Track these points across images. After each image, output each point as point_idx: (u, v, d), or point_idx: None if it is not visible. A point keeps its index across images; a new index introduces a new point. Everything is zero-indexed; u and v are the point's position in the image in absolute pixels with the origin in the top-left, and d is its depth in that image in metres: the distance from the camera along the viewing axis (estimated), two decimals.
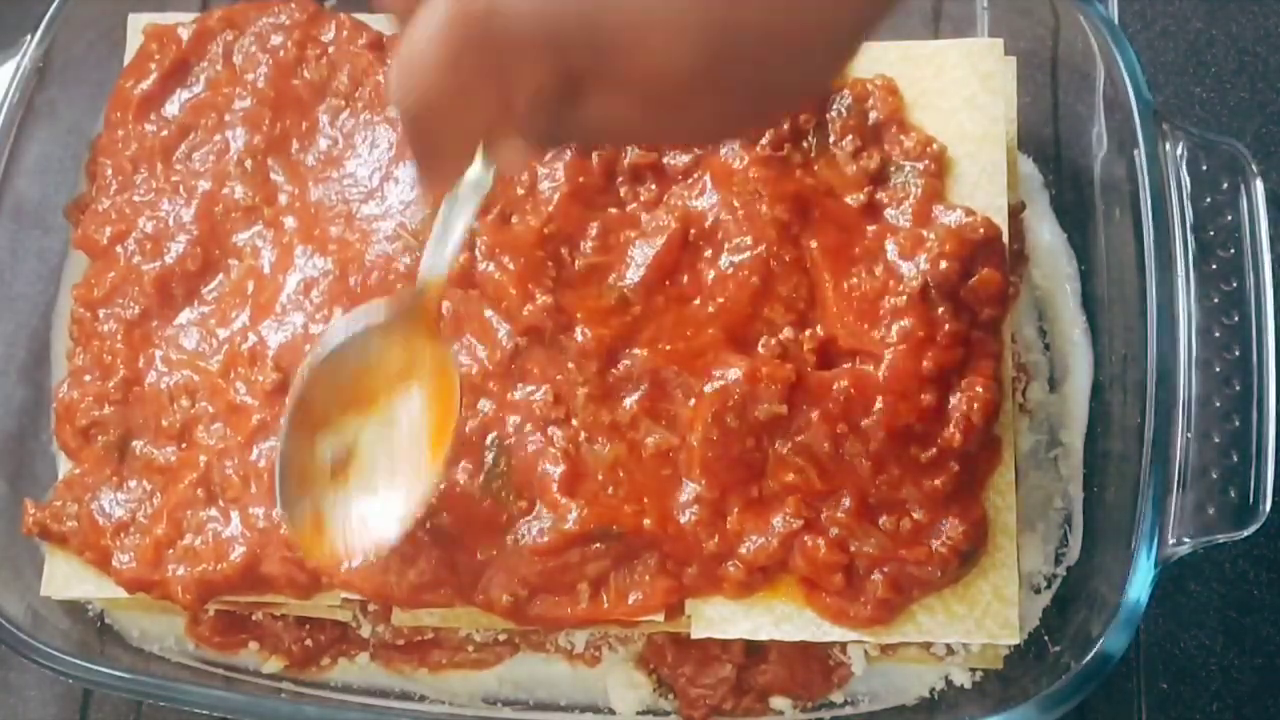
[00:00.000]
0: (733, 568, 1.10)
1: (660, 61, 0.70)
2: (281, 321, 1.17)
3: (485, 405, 1.11)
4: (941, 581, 1.10)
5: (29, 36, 1.26)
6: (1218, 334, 1.10)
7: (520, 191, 1.16)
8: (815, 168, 1.16)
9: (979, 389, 1.10)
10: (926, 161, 1.16)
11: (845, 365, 1.11)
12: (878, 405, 1.09)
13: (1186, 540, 1.07)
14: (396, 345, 1.02)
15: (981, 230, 1.13)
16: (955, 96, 1.21)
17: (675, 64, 0.70)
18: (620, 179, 1.17)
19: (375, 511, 1.01)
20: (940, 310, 1.10)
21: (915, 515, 1.09)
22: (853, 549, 1.09)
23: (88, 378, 1.19)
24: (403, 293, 1.06)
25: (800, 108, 1.13)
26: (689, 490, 1.10)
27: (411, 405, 1.03)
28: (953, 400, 1.10)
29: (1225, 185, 1.13)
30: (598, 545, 1.09)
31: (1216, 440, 1.08)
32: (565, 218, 1.14)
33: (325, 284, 1.17)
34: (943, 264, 1.10)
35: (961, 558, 1.08)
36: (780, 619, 1.12)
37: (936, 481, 1.09)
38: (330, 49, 1.25)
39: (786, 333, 1.11)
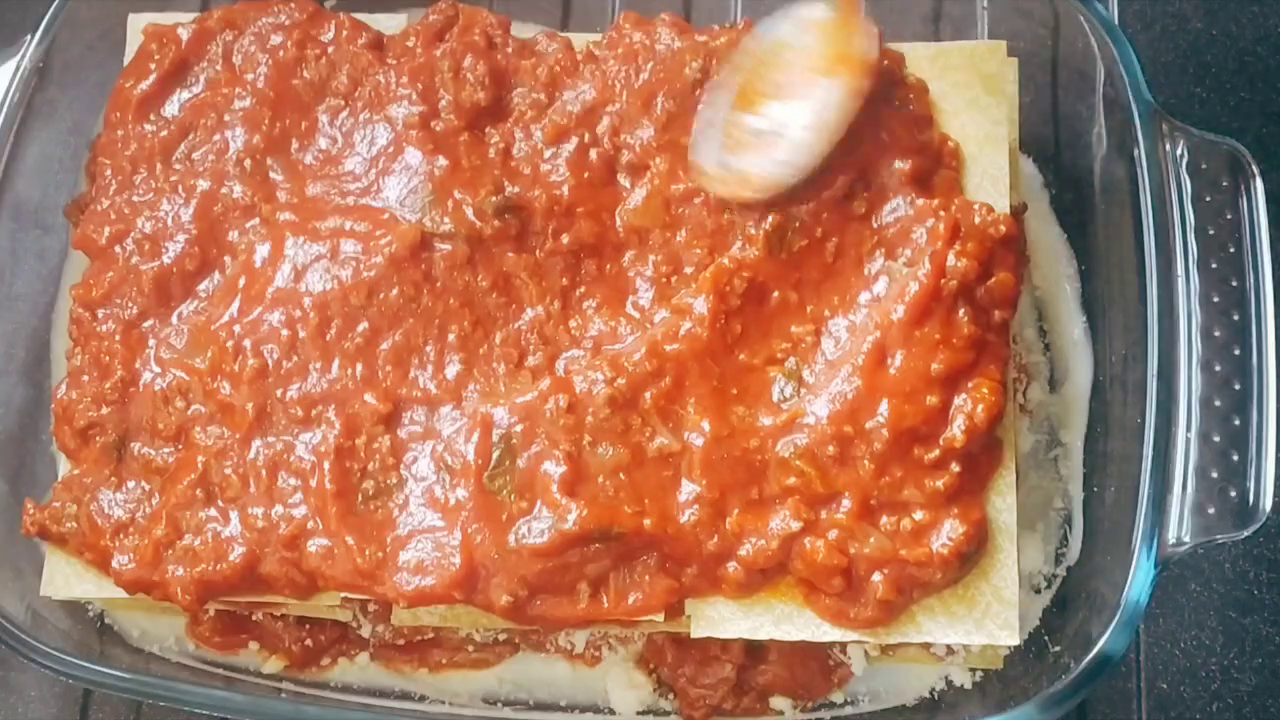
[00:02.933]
0: (732, 568, 1.10)
1: None
2: (267, 309, 1.17)
3: None
4: (942, 582, 1.10)
5: (29, 36, 1.27)
6: (1218, 334, 1.10)
7: None
8: None
9: (985, 390, 1.10)
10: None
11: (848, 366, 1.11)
12: (883, 407, 1.09)
13: (1186, 540, 1.07)
14: (824, 39, 1.14)
15: (1003, 228, 1.13)
16: (958, 99, 1.21)
17: None
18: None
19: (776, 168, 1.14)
20: (960, 313, 1.11)
21: (916, 516, 1.09)
22: (852, 551, 1.09)
23: (86, 378, 1.19)
24: None
25: None
26: (689, 490, 1.10)
27: (834, 91, 1.13)
28: (957, 401, 1.10)
29: (1225, 185, 1.13)
30: (597, 545, 1.09)
31: (1216, 440, 1.08)
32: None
33: (317, 267, 1.17)
34: (963, 262, 1.11)
35: (962, 559, 1.08)
36: (780, 619, 1.12)
37: (938, 483, 1.09)
38: (330, 49, 1.25)
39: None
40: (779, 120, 1.14)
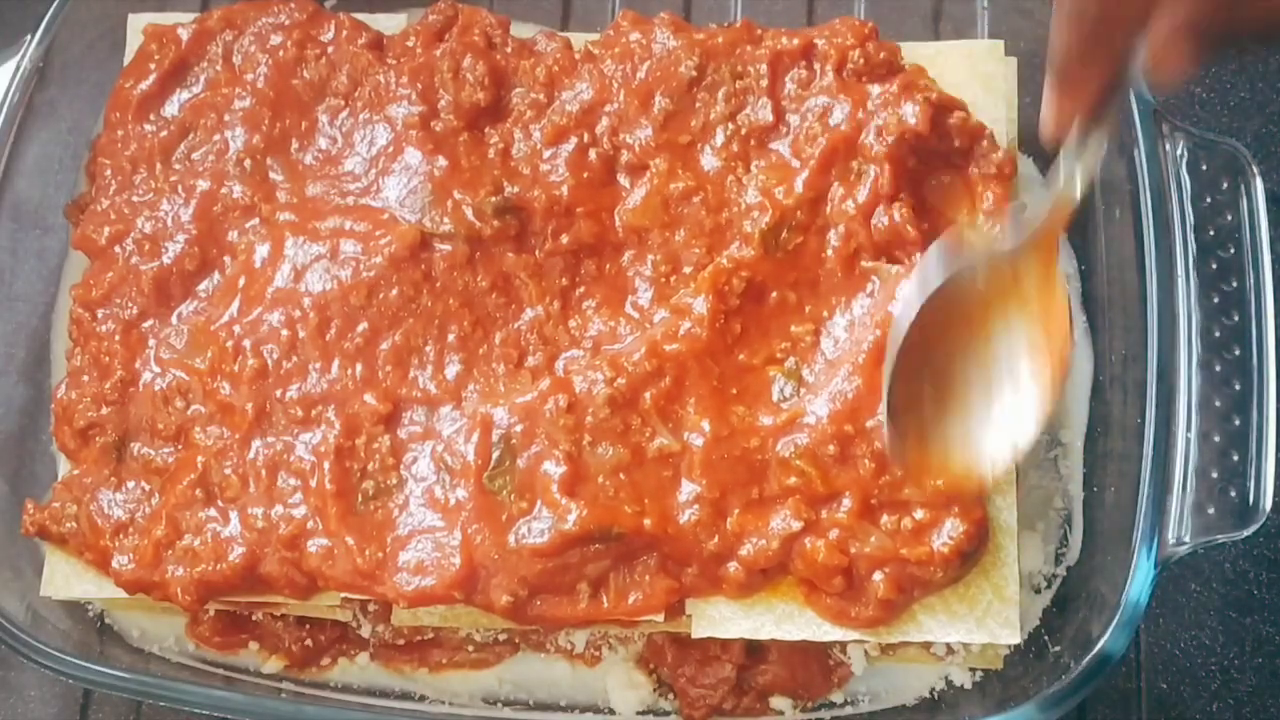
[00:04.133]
0: (733, 568, 1.10)
1: None
2: (267, 309, 1.17)
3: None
4: (943, 581, 1.10)
5: (29, 36, 1.26)
6: (1218, 334, 1.10)
7: None
8: None
9: None
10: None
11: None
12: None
13: (1186, 540, 1.07)
14: (1005, 270, 0.96)
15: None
16: (957, 99, 1.21)
17: None
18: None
19: (979, 436, 0.99)
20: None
21: (917, 515, 1.09)
22: (853, 550, 1.09)
23: (86, 378, 1.19)
24: (1024, 215, 0.99)
25: None
26: (689, 490, 1.10)
27: (1013, 329, 0.98)
28: None
29: (1225, 185, 1.13)
30: (597, 545, 1.09)
31: (1216, 440, 1.08)
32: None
33: (316, 268, 1.17)
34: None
35: (963, 558, 1.08)
36: (781, 618, 1.12)
37: (939, 481, 1.09)
38: (330, 49, 1.25)
39: None
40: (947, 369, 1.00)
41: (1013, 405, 0.98)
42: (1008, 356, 0.98)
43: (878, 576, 1.08)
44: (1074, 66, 0.79)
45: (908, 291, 0.99)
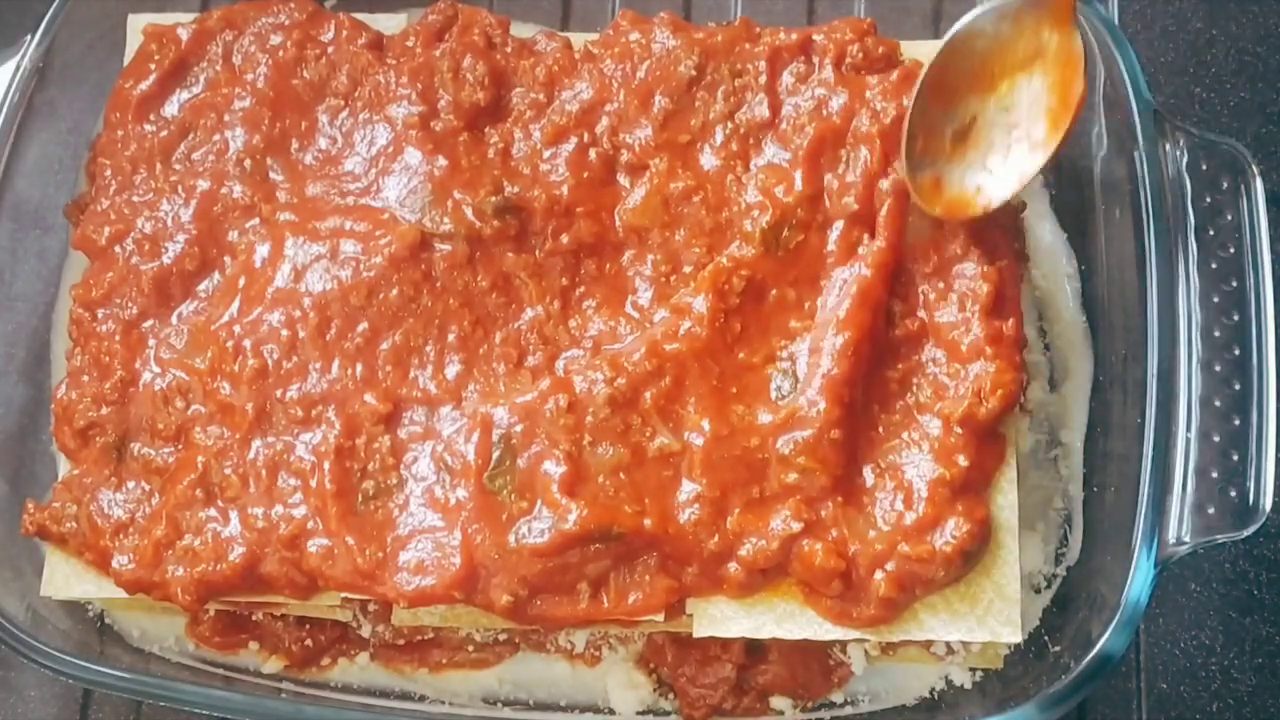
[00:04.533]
0: (733, 568, 1.10)
1: None
2: (267, 309, 1.17)
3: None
4: (944, 580, 1.10)
5: (29, 36, 1.27)
6: (1218, 334, 1.10)
7: None
8: None
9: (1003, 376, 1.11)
10: None
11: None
12: None
13: (1186, 540, 1.07)
14: (1026, 31, 1.10)
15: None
16: None
17: None
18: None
19: (987, 182, 1.13)
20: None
21: (920, 509, 1.09)
22: (852, 549, 1.09)
23: (86, 378, 1.19)
24: None
25: None
26: (689, 490, 1.10)
27: (1032, 90, 1.11)
28: (974, 369, 1.12)
29: (1225, 185, 1.13)
30: (598, 545, 1.09)
31: (1216, 440, 1.08)
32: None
33: (316, 268, 1.17)
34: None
35: (965, 556, 1.08)
36: (782, 617, 1.12)
37: (947, 472, 1.09)
38: (330, 49, 1.25)
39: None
40: (964, 114, 1.13)
41: (1019, 150, 1.12)
42: (1026, 112, 1.12)
43: (879, 575, 1.08)
44: None
45: (948, 31, 1.13)
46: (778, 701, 1.22)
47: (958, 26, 1.12)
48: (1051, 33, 1.09)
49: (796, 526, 1.09)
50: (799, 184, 1.16)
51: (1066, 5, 1.08)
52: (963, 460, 1.09)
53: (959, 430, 1.10)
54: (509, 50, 1.24)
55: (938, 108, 1.13)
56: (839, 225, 1.15)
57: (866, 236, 1.15)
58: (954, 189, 1.13)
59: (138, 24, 1.30)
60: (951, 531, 1.08)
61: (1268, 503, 1.06)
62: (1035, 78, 1.11)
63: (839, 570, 1.08)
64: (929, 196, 1.13)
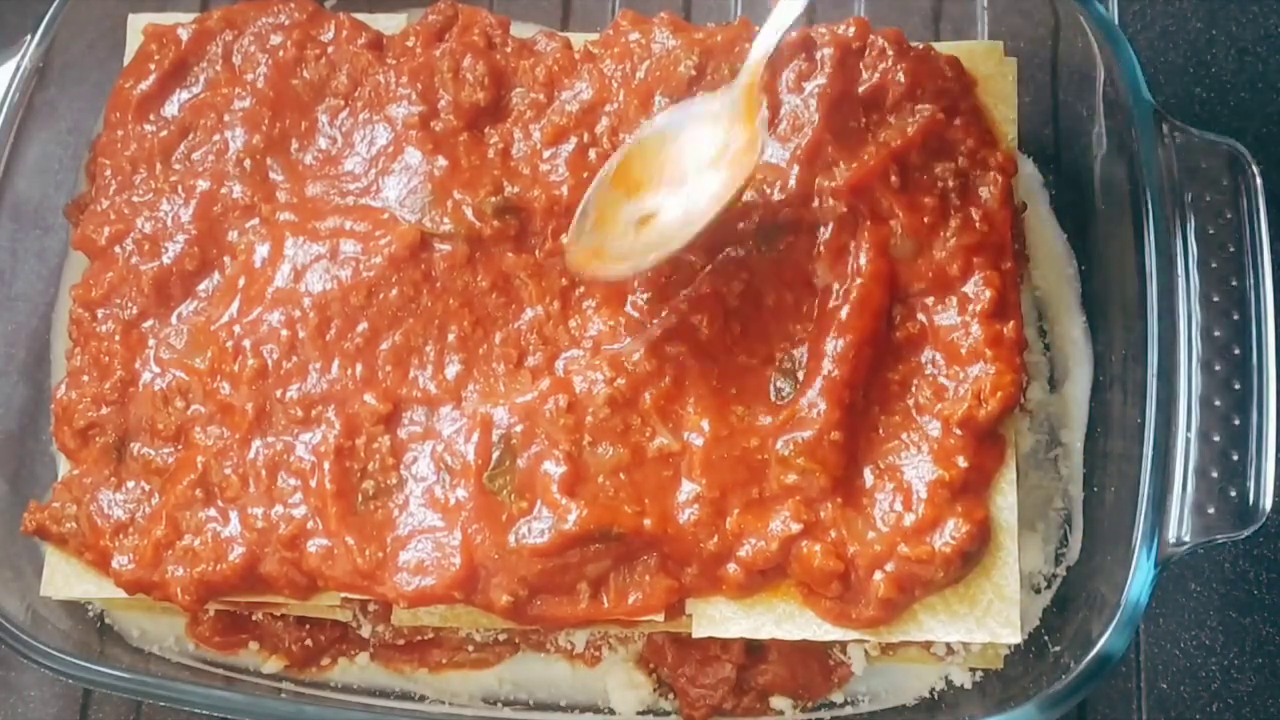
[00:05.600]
0: (732, 569, 1.10)
1: None
2: (267, 309, 1.17)
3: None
4: (944, 581, 1.10)
5: (29, 36, 1.27)
6: (1218, 334, 1.10)
7: None
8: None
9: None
10: None
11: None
12: None
13: (1186, 540, 1.07)
14: (717, 132, 1.13)
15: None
16: None
17: None
18: None
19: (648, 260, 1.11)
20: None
21: (919, 511, 1.09)
22: (851, 550, 1.09)
23: (85, 378, 1.19)
24: (729, 85, 1.15)
25: None
26: (689, 490, 1.10)
27: (713, 183, 1.12)
28: (974, 371, 1.12)
29: (1225, 185, 1.13)
30: (598, 545, 1.09)
31: (1216, 440, 1.08)
32: None
33: (316, 268, 1.17)
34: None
35: (965, 558, 1.08)
36: (782, 618, 1.12)
37: (946, 474, 1.09)
38: (330, 49, 1.25)
39: None
40: (651, 207, 1.13)
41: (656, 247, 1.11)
42: (684, 207, 1.12)
43: (878, 576, 1.08)
44: None
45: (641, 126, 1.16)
46: (778, 701, 1.22)
47: (647, 126, 1.15)
48: (739, 127, 1.12)
49: (796, 528, 1.09)
50: (792, 183, 1.15)
51: (753, 100, 1.12)
52: (962, 462, 1.10)
53: (958, 432, 1.10)
54: (509, 50, 1.24)
55: (620, 193, 1.14)
56: (829, 227, 1.15)
57: (864, 241, 1.14)
58: (609, 266, 1.12)
59: (138, 24, 1.30)
60: (951, 533, 1.08)
61: (1268, 503, 1.06)
62: (721, 171, 1.12)
63: (838, 571, 1.08)
64: (579, 261, 1.13)
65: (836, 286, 1.14)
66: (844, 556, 1.09)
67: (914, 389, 1.14)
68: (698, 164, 1.12)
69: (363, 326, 1.16)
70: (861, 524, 1.10)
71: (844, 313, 1.12)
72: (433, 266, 1.16)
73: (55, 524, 1.16)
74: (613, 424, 1.11)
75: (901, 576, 1.08)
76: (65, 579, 1.18)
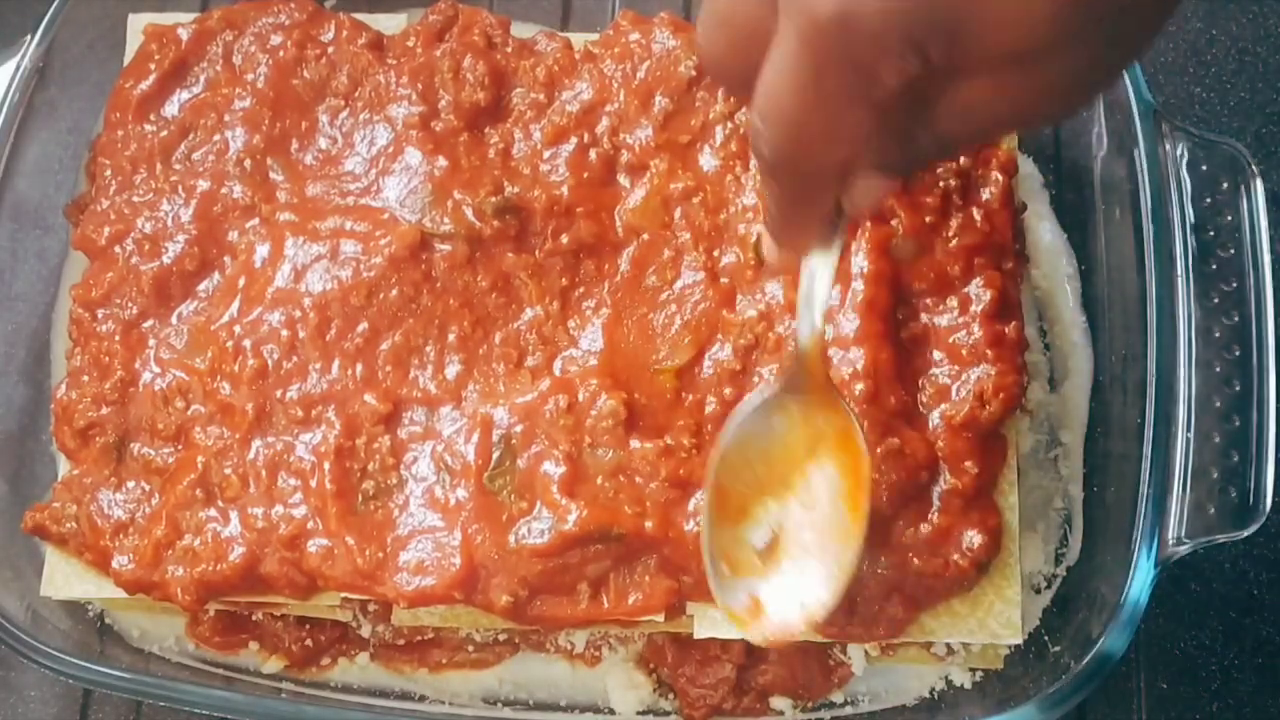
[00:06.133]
0: None
1: (1018, 15, 0.65)
2: (267, 310, 1.17)
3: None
4: (956, 592, 1.10)
5: (29, 36, 1.26)
6: (1218, 334, 1.10)
7: None
8: None
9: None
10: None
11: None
12: None
13: (1186, 540, 1.07)
14: (796, 421, 1.00)
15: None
16: None
17: (1033, 14, 0.65)
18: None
19: (809, 585, 1.00)
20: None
21: (934, 520, 1.09)
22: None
23: (86, 378, 1.19)
24: (786, 365, 1.03)
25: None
26: (697, 500, 1.10)
27: (826, 478, 1.00)
28: (975, 373, 1.12)
29: (1225, 185, 1.13)
30: (598, 546, 1.09)
31: (1216, 440, 1.08)
32: None
33: (316, 268, 1.17)
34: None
35: (980, 569, 1.09)
36: None
37: (959, 482, 1.08)
38: (330, 49, 1.25)
39: None
40: (768, 527, 1.01)
41: (831, 546, 0.99)
42: (830, 502, 0.99)
43: (891, 598, 1.08)
44: (787, 227, 0.84)
45: (719, 439, 1.01)
46: (778, 702, 1.22)
47: (725, 439, 1.00)
48: (823, 415, 0.99)
49: None
50: None
51: (821, 382, 0.98)
52: (972, 468, 1.09)
53: (967, 435, 1.10)
54: (509, 50, 1.24)
55: (733, 522, 1.01)
56: None
57: (861, 249, 1.14)
58: (775, 609, 1.00)
59: (138, 24, 1.30)
60: (967, 545, 1.08)
61: (1268, 503, 1.06)
62: (826, 465, 1.00)
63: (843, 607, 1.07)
64: (750, 623, 1.01)
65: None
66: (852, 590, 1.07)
67: (920, 389, 1.13)
68: (794, 457, 1.00)
69: (363, 326, 1.16)
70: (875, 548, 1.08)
71: (854, 326, 1.11)
72: (433, 266, 1.17)
73: (55, 524, 1.16)
74: (615, 432, 1.11)
75: (918, 595, 1.08)
76: (65, 579, 1.18)
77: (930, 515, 1.09)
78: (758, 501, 1.01)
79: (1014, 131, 0.92)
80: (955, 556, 1.08)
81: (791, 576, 1.00)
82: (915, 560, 1.08)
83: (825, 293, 0.91)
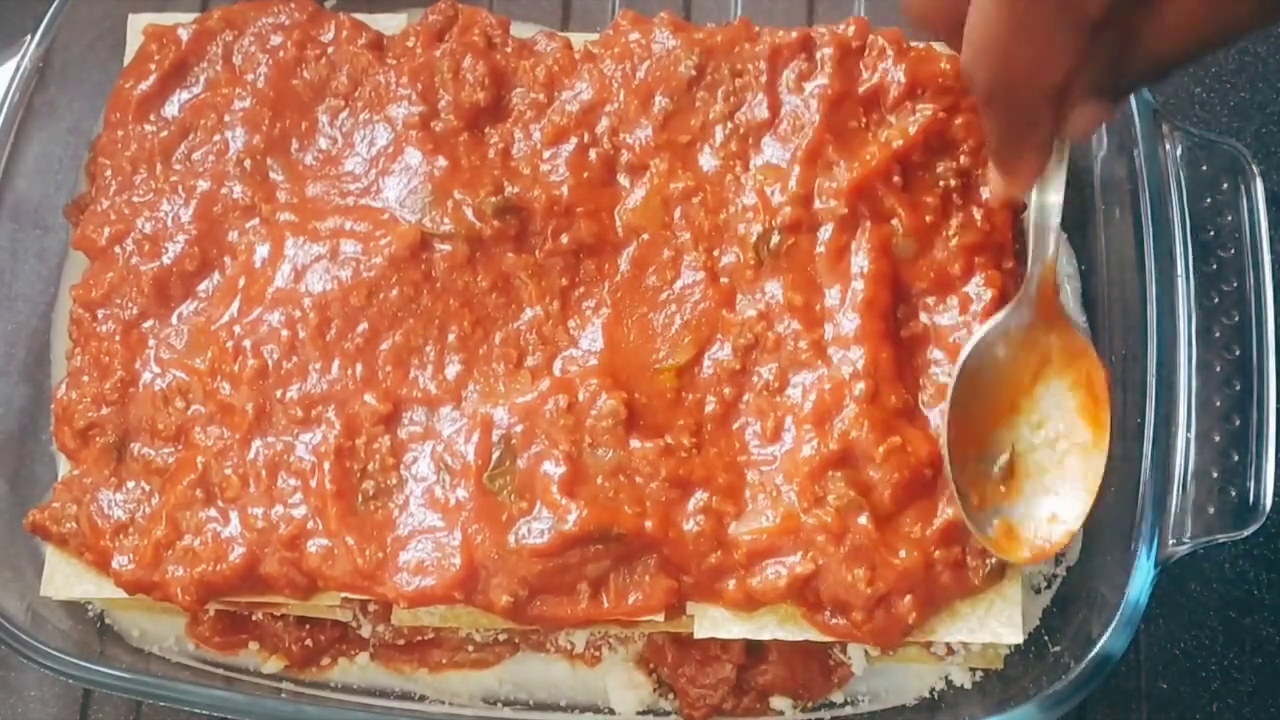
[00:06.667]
0: (731, 585, 1.10)
1: None
2: (267, 310, 1.17)
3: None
4: (969, 592, 1.10)
5: (29, 36, 1.27)
6: (1218, 334, 1.10)
7: None
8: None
9: None
10: None
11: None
12: None
13: (1186, 540, 1.07)
14: (1019, 348, 1.06)
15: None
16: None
17: None
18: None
19: (1058, 505, 1.07)
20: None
21: (946, 514, 1.09)
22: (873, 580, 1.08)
23: (86, 378, 1.19)
24: (1022, 294, 1.06)
25: None
26: (697, 499, 1.10)
27: (1055, 397, 1.07)
28: None
29: (1225, 185, 1.13)
30: (598, 546, 1.09)
31: (1216, 440, 1.08)
32: None
33: (316, 268, 1.17)
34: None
35: (1003, 570, 1.09)
36: (785, 618, 1.11)
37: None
38: (330, 49, 1.25)
39: None
40: (1002, 450, 1.07)
41: (1072, 461, 1.07)
42: (1061, 420, 1.07)
43: (906, 600, 1.08)
44: (1008, 157, 0.89)
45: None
46: (778, 701, 1.22)
47: (956, 373, 1.06)
48: (1048, 335, 1.06)
49: (809, 568, 1.08)
50: (793, 184, 1.16)
51: (1050, 306, 1.05)
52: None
53: None
54: (509, 50, 1.24)
55: (973, 456, 1.07)
56: (828, 228, 1.15)
57: (861, 248, 1.14)
58: (1029, 529, 1.07)
59: (138, 24, 1.30)
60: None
61: (1268, 503, 1.06)
62: (1053, 384, 1.07)
63: (866, 599, 1.08)
64: (1008, 547, 1.07)
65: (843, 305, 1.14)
66: (861, 590, 1.07)
67: (920, 388, 1.13)
68: (1022, 383, 1.08)
69: (363, 326, 1.16)
70: (885, 546, 1.08)
71: (854, 326, 1.12)
72: (433, 266, 1.16)
73: (55, 524, 1.16)
74: (615, 432, 1.11)
75: (935, 597, 1.08)
76: (65, 579, 1.18)
77: (941, 510, 1.09)
78: (991, 432, 1.07)
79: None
80: (974, 563, 1.08)
81: (1036, 496, 1.07)
82: (936, 552, 1.08)
83: (1056, 219, 0.99)
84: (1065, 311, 1.07)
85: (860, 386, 1.09)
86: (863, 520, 1.07)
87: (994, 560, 1.08)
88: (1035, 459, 1.08)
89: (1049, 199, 1.00)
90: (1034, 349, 1.06)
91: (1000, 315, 1.07)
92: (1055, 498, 1.07)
